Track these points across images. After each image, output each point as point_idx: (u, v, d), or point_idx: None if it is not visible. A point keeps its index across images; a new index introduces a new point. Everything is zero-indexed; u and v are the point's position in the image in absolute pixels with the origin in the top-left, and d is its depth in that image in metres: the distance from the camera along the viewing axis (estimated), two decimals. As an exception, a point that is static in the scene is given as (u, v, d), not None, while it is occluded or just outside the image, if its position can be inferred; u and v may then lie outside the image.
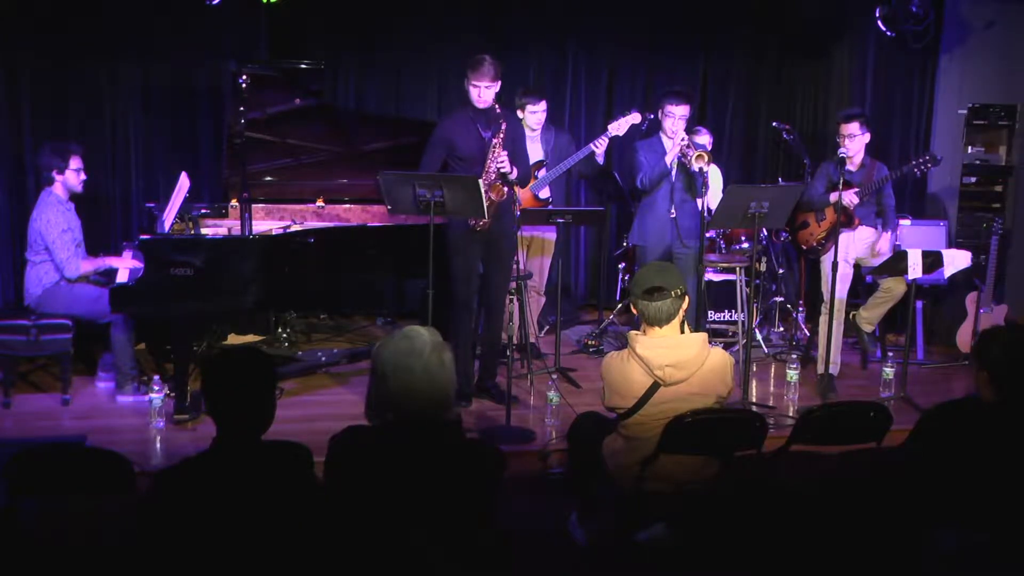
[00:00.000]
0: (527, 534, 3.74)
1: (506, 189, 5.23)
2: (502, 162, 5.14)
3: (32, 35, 6.52)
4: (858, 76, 7.75)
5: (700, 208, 5.68)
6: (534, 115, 6.18)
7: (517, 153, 5.36)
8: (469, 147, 5.24)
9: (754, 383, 6.04)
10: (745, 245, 6.76)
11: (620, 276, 7.29)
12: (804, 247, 6.28)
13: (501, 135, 5.16)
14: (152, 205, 6.02)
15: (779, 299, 7.13)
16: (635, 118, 6.14)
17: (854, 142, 5.82)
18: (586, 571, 3.78)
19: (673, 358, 3.64)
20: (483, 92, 5.16)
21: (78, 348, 5.52)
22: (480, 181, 4.92)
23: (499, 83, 5.21)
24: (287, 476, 2.60)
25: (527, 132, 5.95)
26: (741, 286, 6.65)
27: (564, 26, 7.68)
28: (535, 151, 6.21)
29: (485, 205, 4.98)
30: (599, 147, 6.18)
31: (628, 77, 7.88)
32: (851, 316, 6.16)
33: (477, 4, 7.44)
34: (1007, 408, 3.15)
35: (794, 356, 5.94)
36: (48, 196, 5.47)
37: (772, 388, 6.06)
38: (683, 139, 5.81)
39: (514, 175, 5.23)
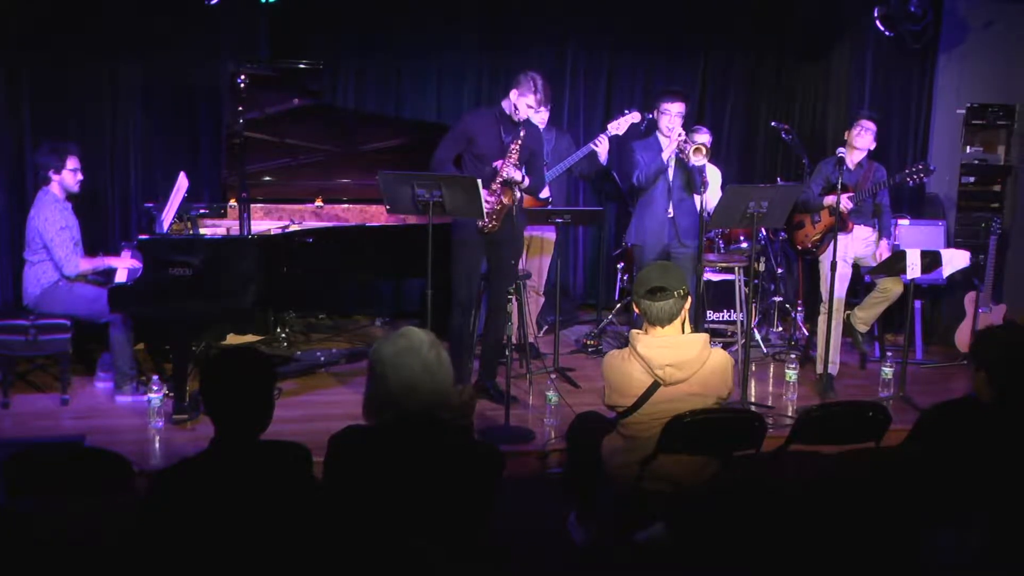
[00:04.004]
0: (526, 534, 3.74)
1: (518, 194, 5.29)
2: (513, 159, 5.18)
3: (32, 35, 6.51)
4: (857, 76, 7.74)
5: (698, 206, 5.68)
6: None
7: (534, 164, 5.41)
8: (488, 146, 5.27)
9: (753, 383, 6.05)
10: (744, 245, 6.77)
11: (619, 276, 7.30)
12: (799, 247, 6.29)
13: (519, 141, 5.20)
14: (151, 205, 6.00)
15: (778, 299, 7.12)
16: (635, 117, 6.14)
17: (869, 138, 5.90)
18: (585, 571, 3.78)
19: (674, 358, 3.64)
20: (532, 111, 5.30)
21: (77, 348, 5.53)
22: (479, 181, 4.94)
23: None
24: (286, 476, 2.60)
25: None
26: (740, 286, 6.65)
27: (563, 26, 7.68)
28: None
29: (497, 208, 5.11)
30: (600, 146, 6.18)
31: (627, 77, 7.88)
32: (846, 316, 6.17)
33: (477, 4, 7.44)
34: (1005, 408, 3.15)
35: (793, 356, 5.94)
36: (45, 195, 5.47)
37: (771, 388, 6.06)
38: (680, 135, 5.80)
39: (526, 183, 5.30)
